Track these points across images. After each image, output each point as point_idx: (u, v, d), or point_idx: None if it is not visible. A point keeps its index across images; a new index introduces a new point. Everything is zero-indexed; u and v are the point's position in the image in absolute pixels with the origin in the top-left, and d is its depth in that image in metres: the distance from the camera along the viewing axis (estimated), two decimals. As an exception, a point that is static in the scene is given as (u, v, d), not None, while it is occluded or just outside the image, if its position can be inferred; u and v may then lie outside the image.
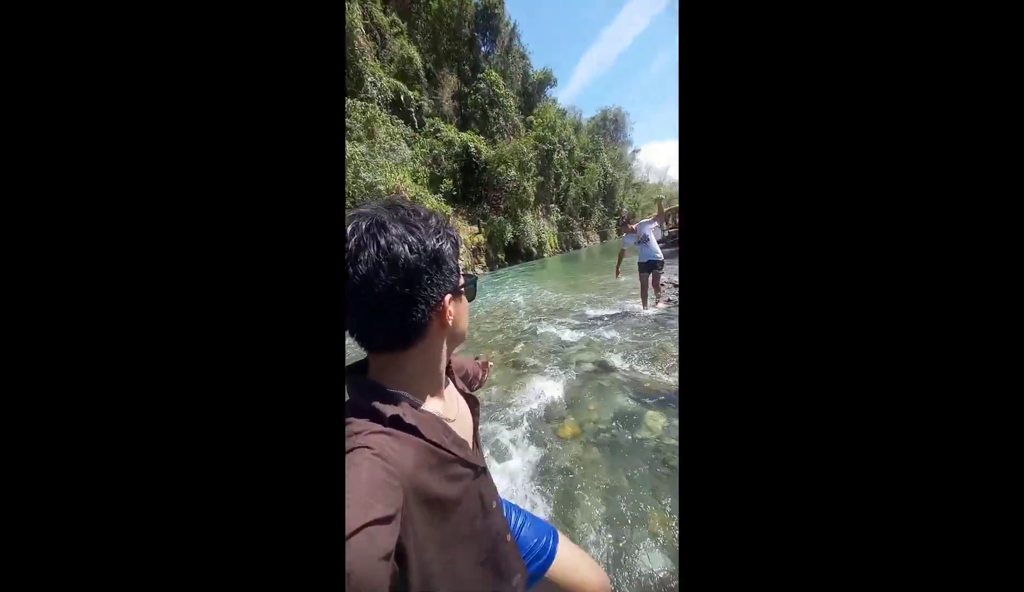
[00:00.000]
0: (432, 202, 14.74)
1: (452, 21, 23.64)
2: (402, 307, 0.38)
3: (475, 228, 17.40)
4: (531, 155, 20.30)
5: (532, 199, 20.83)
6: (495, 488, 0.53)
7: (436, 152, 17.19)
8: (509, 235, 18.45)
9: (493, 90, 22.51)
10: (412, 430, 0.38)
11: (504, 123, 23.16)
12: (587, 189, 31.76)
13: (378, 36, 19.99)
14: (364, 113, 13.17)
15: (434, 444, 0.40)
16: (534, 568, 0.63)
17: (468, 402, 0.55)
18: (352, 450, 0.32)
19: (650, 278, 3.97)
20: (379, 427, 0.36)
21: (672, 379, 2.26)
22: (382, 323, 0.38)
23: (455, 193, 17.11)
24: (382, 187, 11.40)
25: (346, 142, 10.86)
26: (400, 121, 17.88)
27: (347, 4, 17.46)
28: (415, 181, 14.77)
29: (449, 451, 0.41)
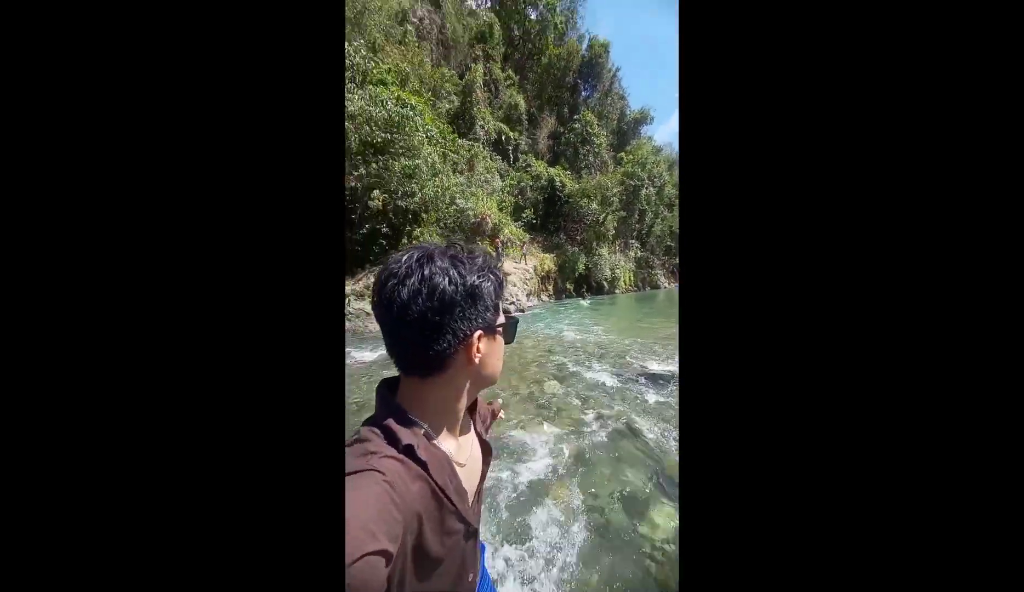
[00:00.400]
0: (512, 229, 16.45)
1: (559, 72, 26.25)
2: (431, 334, 0.40)
3: (549, 255, 18.49)
4: (615, 190, 20.71)
5: (611, 233, 21.06)
6: (478, 557, 0.53)
7: (523, 184, 19.15)
8: (581, 266, 18.95)
9: (587, 129, 23.94)
10: (423, 465, 0.39)
11: (593, 160, 24.19)
12: (675, 227, 30.21)
13: (493, 88, 23.55)
14: (469, 150, 15.72)
15: (439, 488, 0.40)
16: None
17: (482, 448, 0.56)
18: (364, 471, 0.33)
19: None
20: (393, 452, 0.38)
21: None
22: (411, 347, 0.41)
23: (535, 221, 18.59)
24: (471, 212, 13.39)
25: (450, 173, 13.15)
26: (498, 157, 20.51)
27: (472, 64, 21.22)
28: (500, 209, 16.73)
29: (450, 500, 0.42)
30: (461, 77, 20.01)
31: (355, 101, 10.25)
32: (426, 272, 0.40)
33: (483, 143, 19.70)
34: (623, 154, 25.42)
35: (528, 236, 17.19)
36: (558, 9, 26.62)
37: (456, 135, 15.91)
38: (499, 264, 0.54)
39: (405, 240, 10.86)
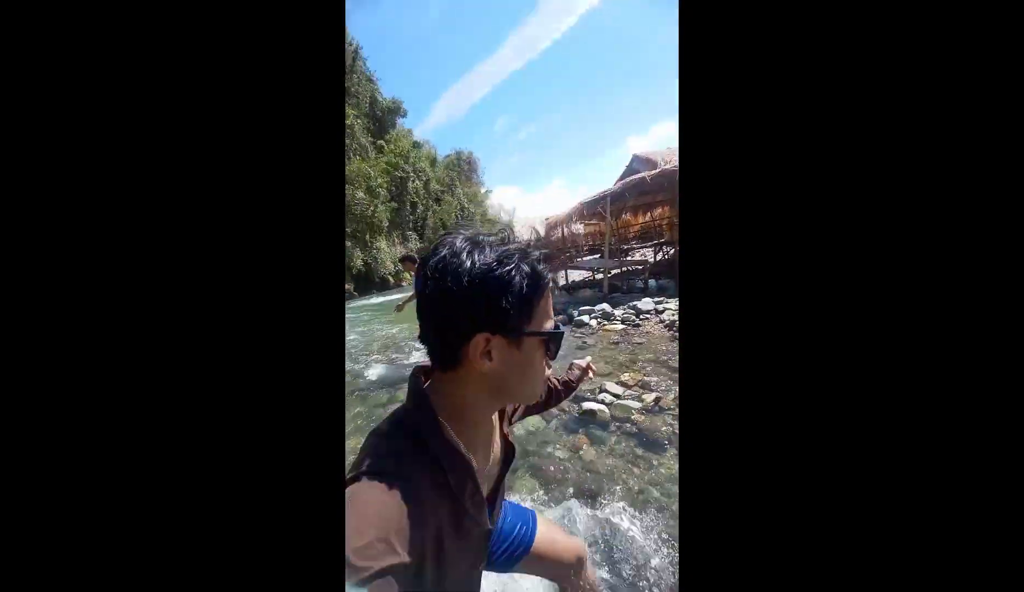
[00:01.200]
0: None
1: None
2: (441, 323, 0.36)
3: (312, 253, 14.85)
4: (381, 180, 19.35)
5: (385, 225, 19.65)
6: (486, 553, 0.49)
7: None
8: (359, 262, 16.61)
9: (334, 107, 20.66)
10: (445, 470, 0.36)
11: (349, 143, 21.48)
12: (445, 220, 32.67)
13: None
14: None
15: (458, 495, 0.38)
16: (519, 550, 0.69)
17: (505, 448, 0.51)
18: (392, 475, 0.31)
19: None
20: (419, 456, 0.35)
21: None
22: (426, 332, 0.38)
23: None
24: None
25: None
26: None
27: None
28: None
29: (466, 507, 0.39)
30: None
31: None
32: (445, 252, 0.36)
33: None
34: (383, 142, 24.15)
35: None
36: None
37: None
38: (544, 258, 0.39)
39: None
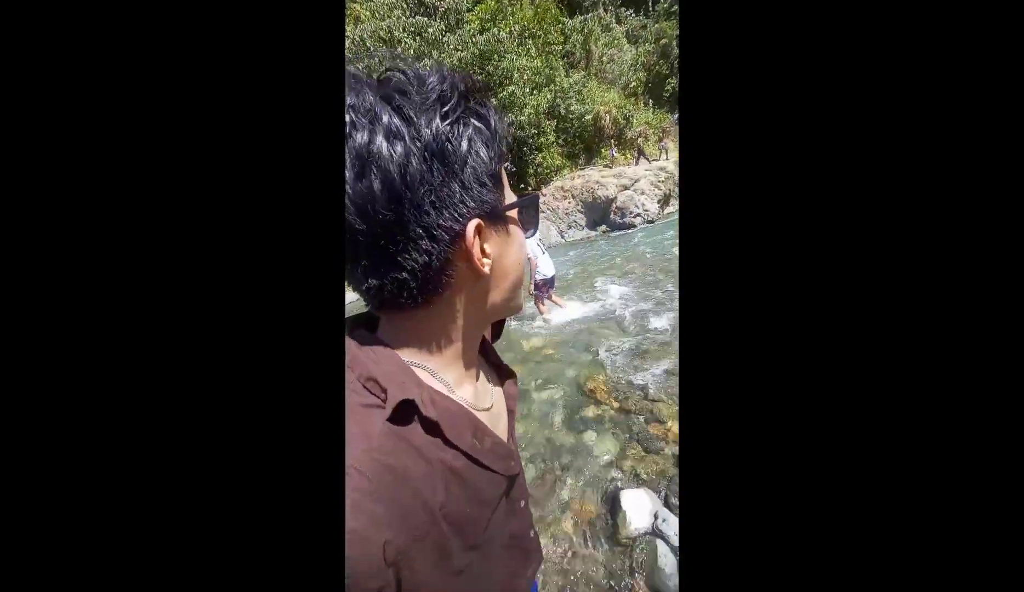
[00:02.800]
0: (647, 116, 13.24)
1: None
2: (395, 243, 0.25)
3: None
4: None
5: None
6: (524, 486, 0.39)
7: (666, 40, 14.23)
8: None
9: None
10: (433, 429, 0.27)
11: None
12: None
13: None
14: (582, 30, 12.95)
15: (464, 453, 0.29)
16: None
17: (502, 375, 0.41)
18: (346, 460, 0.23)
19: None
20: (383, 423, 0.25)
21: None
22: (372, 270, 0.26)
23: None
24: (588, 117, 11.76)
25: (562, 74, 11.50)
26: (629, 12, 15.73)
27: None
28: (629, 93, 13.56)
29: (479, 461, 0.30)
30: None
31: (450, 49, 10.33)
32: (359, 139, 0.24)
33: (603, 4, 15.43)
34: None
35: (673, 117, 13.42)
36: None
37: (563, 18, 13.03)
38: (489, 98, 0.28)
39: (530, 170, 11.01)
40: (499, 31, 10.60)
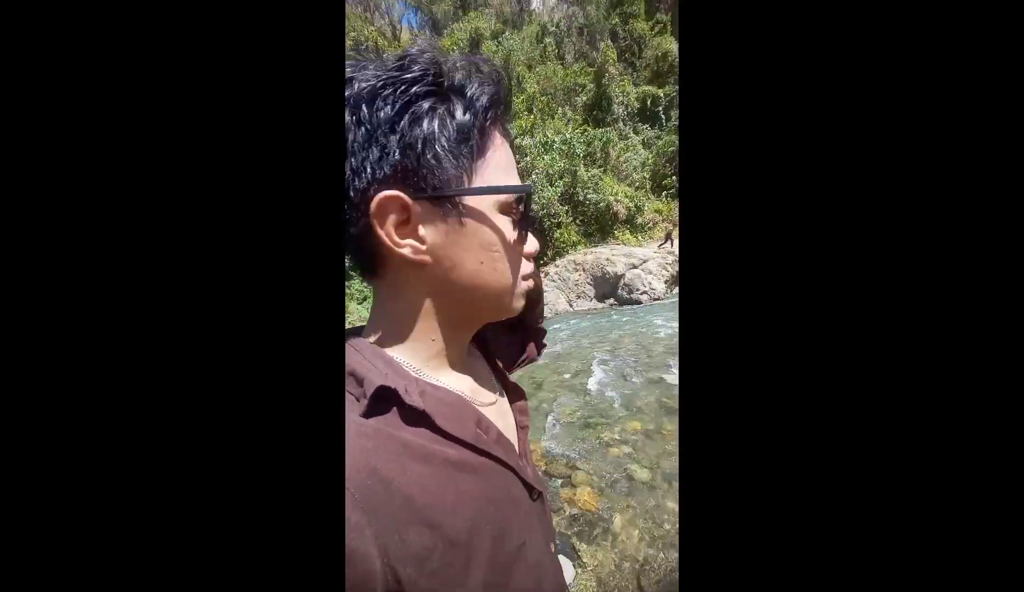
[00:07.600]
0: (656, 205, 14.87)
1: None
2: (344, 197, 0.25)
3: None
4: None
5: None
6: (551, 523, 0.36)
7: (673, 148, 16.61)
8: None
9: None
10: (422, 419, 0.25)
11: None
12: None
13: (637, 48, 21.25)
14: (602, 139, 15.40)
15: (467, 445, 0.27)
16: None
17: (510, 392, 0.38)
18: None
19: None
20: (357, 417, 0.24)
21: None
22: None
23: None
24: (602, 205, 13.36)
25: (581, 167, 13.50)
26: (645, 126, 18.66)
27: (602, 44, 20.14)
28: (639, 188, 15.46)
29: (487, 452, 0.28)
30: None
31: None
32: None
33: (623, 119, 18.51)
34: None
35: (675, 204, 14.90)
36: None
37: (589, 126, 15.84)
38: (491, 67, 0.27)
39: (548, 242, 12.21)
40: (527, 138, 12.78)
